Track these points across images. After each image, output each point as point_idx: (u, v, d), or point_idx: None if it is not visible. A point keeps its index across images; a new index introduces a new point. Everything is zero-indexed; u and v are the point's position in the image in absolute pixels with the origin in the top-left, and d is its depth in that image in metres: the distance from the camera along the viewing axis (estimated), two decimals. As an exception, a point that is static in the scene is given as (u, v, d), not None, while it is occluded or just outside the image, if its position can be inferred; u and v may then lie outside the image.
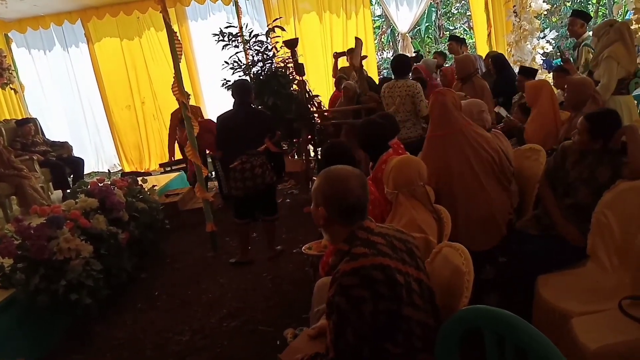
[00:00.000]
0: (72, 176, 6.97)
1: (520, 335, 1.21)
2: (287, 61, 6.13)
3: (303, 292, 3.45)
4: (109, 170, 7.72)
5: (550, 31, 9.42)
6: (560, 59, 4.59)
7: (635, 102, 4.50)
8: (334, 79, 7.11)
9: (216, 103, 7.95)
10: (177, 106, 6.59)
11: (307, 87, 5.81)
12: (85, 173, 7.57)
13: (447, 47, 7.01)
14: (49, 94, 9.08)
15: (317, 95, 6.20)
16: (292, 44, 4.60)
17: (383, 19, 14.42)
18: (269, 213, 4.19)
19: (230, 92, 4.17)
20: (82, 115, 9.22)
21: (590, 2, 14.58)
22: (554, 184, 2.64)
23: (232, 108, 4.19)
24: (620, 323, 1.80)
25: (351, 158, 2.80)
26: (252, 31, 6.26)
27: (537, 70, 4.39)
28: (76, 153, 7.52)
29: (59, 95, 9.15)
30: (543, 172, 2.72)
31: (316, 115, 5.75)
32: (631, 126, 2.36)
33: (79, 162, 7.22)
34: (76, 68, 8.95)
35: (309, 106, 5.26)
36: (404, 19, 8.48)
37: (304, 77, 4.83)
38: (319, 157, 4.91)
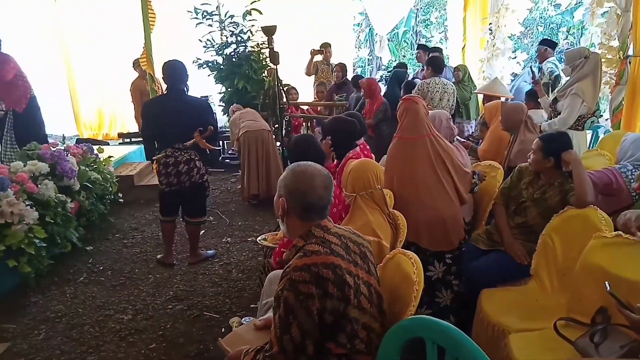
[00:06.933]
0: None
1: (460, 349, 1.25)
2: (261, 46, 6.06)
3: (253, 282, 3.44)
4: (63, 135, 7.38)
5: (521, 52, 9.73)
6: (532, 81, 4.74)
7: (591, 132, 4.73)
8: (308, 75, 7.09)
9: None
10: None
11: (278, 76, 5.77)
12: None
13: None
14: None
15: (289, 85, 6.15)
16: (269, 30, 4.52)
17: (364, 16, 14.46)
18: (192, 214, 3.78)
19: (163, 73, 3.62)
20: (39, 74, 8.69)
21: (560, 30, 15.18)
22: (508, 202, 2.74)
23: (163, 93, 3.71)
24: (553, 342, 1.88)
25: (319, 154, 2.80)
26: (227, 12, 6.13)
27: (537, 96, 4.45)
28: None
29: (13, 47, 8.55)
30: (499, 189, 2.82)
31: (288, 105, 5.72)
32: (576, 158, 2.46)
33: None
34: (36, 21, 8.41)
35: (280, 96, 5.22)
36: (383, 21, 8.53)
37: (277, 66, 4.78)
38: (286, 148, 4.88)
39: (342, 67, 6.31)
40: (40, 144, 4.11)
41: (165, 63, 3.63)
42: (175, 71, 3.53)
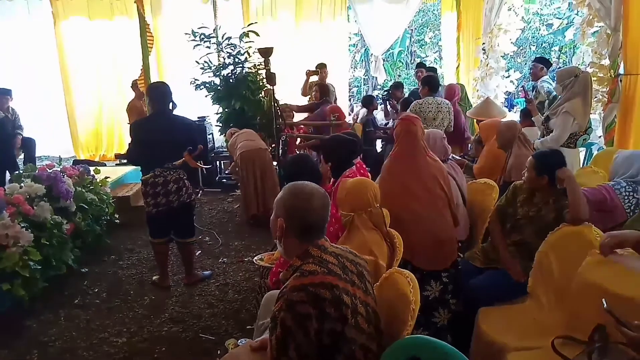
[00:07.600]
0: (23, 157, 6.66)
1: (458, 368, 1.24)
2: (258, 67, 6.12)
3: (249, 303, 3.42)
4: (60, 156, 7.37)
5: (514, 71, 9.88)
6: (524, 99, 4.82)
7: (584, 149, 4.78)
8: (304, 96, 7.12)
9: (183, 101, 7.74)
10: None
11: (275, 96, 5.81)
12: (37, 155, 7.21)
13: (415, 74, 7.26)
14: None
15: (284, 104, 6.19)
16: (266, 52, 4.59)
17: (359, 37, 14.66)
18: (182, 235, 3.77)
19: (149, 95, 3.70)
20: (37, 95, 8.73)
21: (552, 50, 15.42)
22: (504, 219, 2.75)
23: (151, 114, 3.78)
24: (551, 362, 1.87)
25: (315, 173, 2.81)
26: (225, 34, 6.21)
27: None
28: (27, 133, 7.14)
29: (13, 70, 8.61)
30: (495, 207, 2.83)
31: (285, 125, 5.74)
32: (570, 175, 2.48)
33: (30, 143, 6.89)
34: (37, 44, 8.48)
35: (276, 116, 5.26)
36: (379, 42, 8.64)
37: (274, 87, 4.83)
38: (282, 168, 4.89)
39: (320, 88, 6.24)
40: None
41: (149, 86, 3.74)
42: (160, 93, 3.58)
